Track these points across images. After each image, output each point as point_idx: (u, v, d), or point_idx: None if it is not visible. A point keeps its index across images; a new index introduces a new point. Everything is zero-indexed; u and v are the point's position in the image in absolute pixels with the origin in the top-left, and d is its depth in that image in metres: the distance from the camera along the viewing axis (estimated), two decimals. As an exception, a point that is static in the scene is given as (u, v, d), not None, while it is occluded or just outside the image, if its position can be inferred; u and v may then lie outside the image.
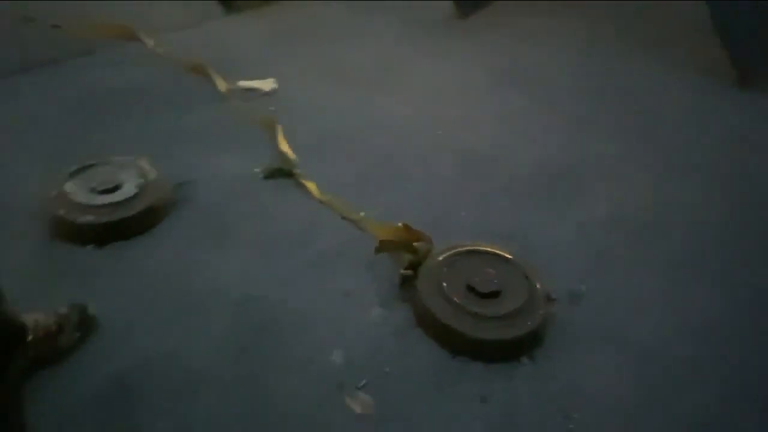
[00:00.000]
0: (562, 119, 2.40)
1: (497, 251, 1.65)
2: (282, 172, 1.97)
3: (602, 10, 3.31)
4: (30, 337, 1.27)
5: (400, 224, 1.71)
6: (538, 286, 1.57)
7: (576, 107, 2.49)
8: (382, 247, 1.68)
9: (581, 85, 2.65)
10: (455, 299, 1.51)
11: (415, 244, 1.65)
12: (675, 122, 2.43)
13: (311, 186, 1.91)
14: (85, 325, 1.45)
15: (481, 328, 1.47)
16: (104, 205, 1.73)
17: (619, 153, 2.23)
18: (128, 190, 1.78)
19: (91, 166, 1.84)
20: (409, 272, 1.60)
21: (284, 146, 2.07)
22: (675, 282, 1.69)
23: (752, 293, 1.67)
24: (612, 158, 2.20)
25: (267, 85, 2.46)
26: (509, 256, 1.64)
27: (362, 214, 1.81)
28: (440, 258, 1.62)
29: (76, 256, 1.63)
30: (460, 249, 1.65)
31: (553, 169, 2.12)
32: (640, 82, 2.70)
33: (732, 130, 2.40)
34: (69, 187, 1.76)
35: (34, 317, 1.33)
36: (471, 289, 1.54)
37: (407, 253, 1.64)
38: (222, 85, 2.41)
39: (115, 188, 1.78)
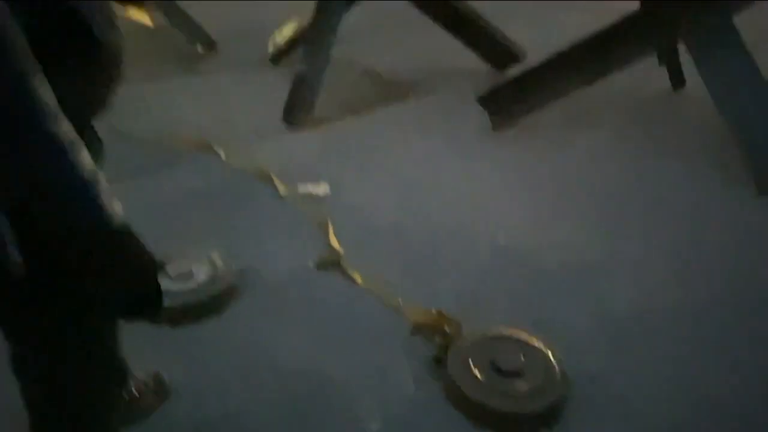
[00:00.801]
0: (590, 219, 2.62)
1: (521, 335, 1.84)
2: (331, 263, 2.24)
3: (630, 116, 3.57)
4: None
5: (434, 310, 1.94)
6: (557, 366, 1.75)
7: (603, 208, 2.70)
8: (418, 330, 1.91)
9: (610, 189, 2.87)
10: (481, 377, 1.70)
11: (446, 327, 1.87)
12: (696, 225, 2.61)
13: (357, 276, 2.17)
14: (160, 390, 1.71)
15: (504, 403, 1.65)
16: (179, 291, 2.03)
17: (642, 252, 2.41)
18: (200, 278, 2.08)
19: (168, 257, 2.16)
20: (441, 353, 1.81)
21: (334, 241, 2.36)
22: (692, 367, 1.83)
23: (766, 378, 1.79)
24: (635, 256, 2.38)
25: (321, 189, 2.79)
26: (532, 340, 1.83)
27: (401, 300, 2.04)
28: (469, 340, 1.83)
29: (153, 333, 1.90)
30: (486, 333, 1.85)
31: (579, 265, 2.32)
32: (665, 186, 2.91)
33: (751, 235, 2.55)
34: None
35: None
36: (496, 368, 1.73)
37: (439, 336, 1.86)
38: (282, 189, 2.75)
39: (188, 276, 2.09)
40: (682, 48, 3.22)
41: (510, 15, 5.01)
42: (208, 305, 2.02)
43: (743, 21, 2.94)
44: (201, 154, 3.06)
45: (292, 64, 4.02)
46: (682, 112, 3.63)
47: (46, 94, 0.69)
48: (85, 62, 0.85)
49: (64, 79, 0.73)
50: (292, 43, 4.07)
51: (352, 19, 3.79)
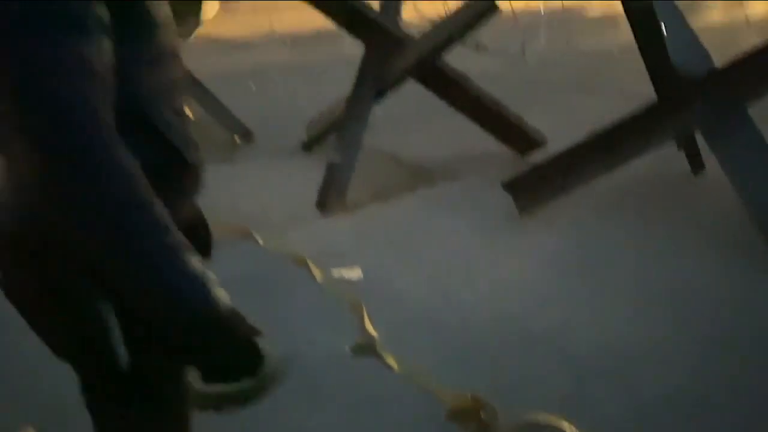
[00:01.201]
0: (617, 303, 2.68)
1: (556, 422, 1.89)
2: (367, 349, 2.32)
3: (652, 199, 3.66)
4: None
5: (469, 395, 1.99)
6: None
7: (631, 292, 2.76)
8: (453, 415, 1.96)
9: (636, 273, 2.93)
10: (516, 462, 1.75)
11: (482, 413, 1.93)
12: (722, 309, 2.65)
13: (392, 361, 2.24)
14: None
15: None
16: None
17: (671, 336, 2.45)
18: (242, 362, 2.17)
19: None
20: (476, 438, 1.86)
21: (369, 326, 2.44)
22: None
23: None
24: (664, 341, 2.42)
25: (354, 273, 2.90)
26: (566, 426, 1.87)
27: (435, 384, 2.10)
28: (503, 426, 1.88)
29: (197, 418, 1.98)
30: (522, 420, 1.90)
31: (609, 349, 2.36)
32: (690, 269, 2.96)
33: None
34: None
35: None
36: (531, 454, 1.77)
37: (475, 422, 1.91)
38: (317, 273, 2.87)
39: (231, 361, 2.18)
40: (699, 133, 3.36)
41: (528, 101, 5.24)
42: (247, 390, 2.10)
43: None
44: (240, 240, 3.21)
45: (324, 151, 4.25)
46: (703, 195, 3.72)
47: (160, 209, 0.83)
48: (176, 181, 0.99)
49: (161, 196, 0.86)
50: (325, 132, 4.29)
51: (379, 107, 4.02)
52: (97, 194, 0.78)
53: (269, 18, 6.05)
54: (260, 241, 3.19)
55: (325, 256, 3.01)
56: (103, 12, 0.81)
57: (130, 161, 0.81)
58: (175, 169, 0.97)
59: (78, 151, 0.77)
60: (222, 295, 0.87)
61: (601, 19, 7.49)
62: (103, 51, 0.80)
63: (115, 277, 0.84)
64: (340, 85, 4.47)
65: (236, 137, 4.61)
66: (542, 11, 4.27)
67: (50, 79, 0.76)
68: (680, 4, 3.42)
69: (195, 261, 0.85)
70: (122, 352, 0.94)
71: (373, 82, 3.78)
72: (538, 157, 4.11)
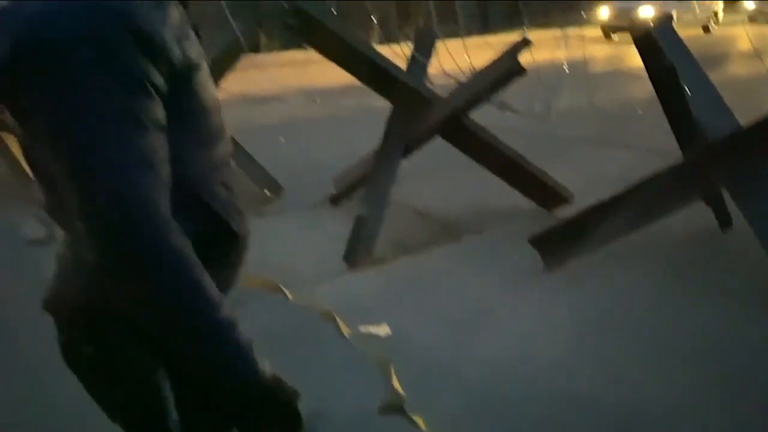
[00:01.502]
0: (644, 361, 2.66)
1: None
2: (395, 408, 2.33)
3: (681, 255, 3.65)
4: None
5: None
6: None
7: (658, 351, 2.74)
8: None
9: (666, 331, 2.91)
10: None
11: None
12: (753, 368, 2.61)
13: (419, 420, 2.24)
14: None
15: None
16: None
17: (700, 398, 2.42)
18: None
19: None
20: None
21: (396, 384, 2.45)
22: None
23: None
24: (693, 402, 2.39)
25: (382, 330, 2.92)
26: None
27: (464, 446, 2.10)
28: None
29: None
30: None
31: (639, 409, 2.34)
32: (718, 326, 2.93)
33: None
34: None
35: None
36: None
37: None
38: (345, 329, 2.89)
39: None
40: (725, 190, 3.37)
41: (553, 156, 5.30)
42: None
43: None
44: (268, 294, 3.26)
45: (351, 205, 4.33)
46: (730, 251, 3.70)
47: (210, 284, 0.90)
48: (225, 251, 1.06)
49: (209, 267, 0.92)
50: (353, 186, 4.38)
51: (404, 161, 4.10)
52: (154, 280, 0.86)
53: (298, 72, 6.26)
54: (289, 296, 3.22)
55: (353, 312, 3.02)
56: (160, 111, 0.90)
57: (184, 244, 0.88)
58: (222, 239, 1.04)
59: (137, 241, 0.84)
60: (266, 364, 0.95)
61: (625, 74, 7.60)
62: (159, 144, 0.89)
63: (171, 349, 0.91)
64: (369, 138, 4.58)
65: (266, 191, 4.71)
66: (565, 66, 4.36)
67: (111, 173, 0.84)
68: (700, 58, 3.48)
69: (243, 334, 0.92)
70: (174, 416, 1.01)
71: (401, 138, 3.88)
72: (564, 212, 4.15)
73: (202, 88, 0.99)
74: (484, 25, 17.85)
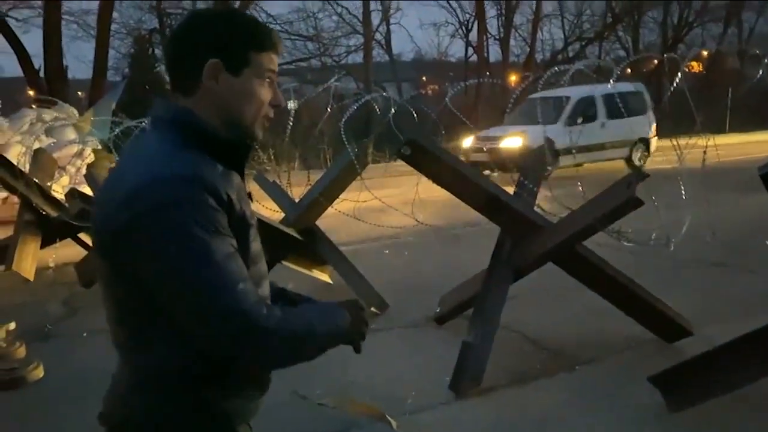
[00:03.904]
0: None
1: None
2: None
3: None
4: None
5: None
6: None
7: None
8: None
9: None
10: None
11: None
12: None
13: None
14: None
15: None
16: None
17: None
18: None
19: None
20: None
21: None
22: None
23: None
24: None
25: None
26: None
27: None
28: None
29: None
30: None
31: None
32: None
33: None
34: None
35: None
36: None
37: None
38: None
39: None
40: None
41: (670, 281, 5.05)
42: None
43: None
44: (373, 422, 3.22)
45: (457, 326, 4.28)
46: None
47: (302, 315, 1.30)
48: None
49: None
50: (458, 307, 4.34)
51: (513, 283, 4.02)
52: (286, 348, 1.21)
53: (404, 183, 6.44)
54: (393, 424, 3.17)
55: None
56: (234, 244, 1.19)
57: (279, 312, 1.19)
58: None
59: (259, 334, 1.14)
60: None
61: (743, 191, 7.25)
62: (242, 264, 1.19)
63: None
64: (476, 254, 4.57)
65: (372, 308, 4.76)
66: (683, 193, 4.22)
67: (219, 291, 1.13)
68: None
69: (321, 306, 1.35)
70: None
71: (510, 261, 3.84)
72: (685, 343, 3.88)
73: (253, 239, 1.28)
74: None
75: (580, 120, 13.61)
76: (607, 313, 4.10)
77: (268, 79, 1.27)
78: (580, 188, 4.01)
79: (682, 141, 4.35)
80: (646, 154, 15.14)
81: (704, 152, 3.93)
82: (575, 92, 13.49)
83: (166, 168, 1.15)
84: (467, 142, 14.36)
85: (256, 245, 1.29)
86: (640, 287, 3.83)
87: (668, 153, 4.43)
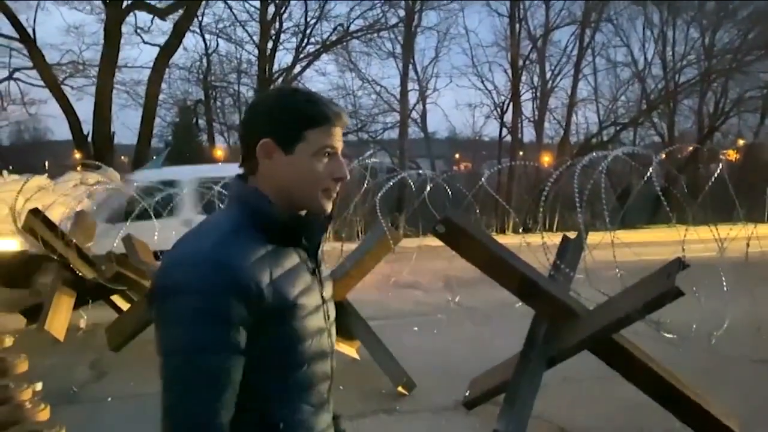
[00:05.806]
0: None
1: None
2: None
3: None
4: None
5: None
6: None
7: None
8: None
9: None
10: None
11: None
12: None
13: None
14: None
15: None
16: None
17: None
18: None
19: None
20: None
21: None
22: None
23: None
24: None
25: None
26: None
27: None
28: None
29: None
30: None
31: None
32: None
33: None
34: None
35: None
36: None
37: None
38: None
39: None
40: None
41: (714, 378, 4.82)
42: None
43: None
44: None
45: (486, 412, 4.12)
46: None
47: None
48: None
49: None
50: (489, 392, 4.19)
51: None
52: None
53: (435, 258, 6.40)
54: None
55: None
56: (242, 339, 1.17)
57: None
58: None
59: None
60: None
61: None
62: (233, 366, 1.16)
63: None
64: (507, 335, 4.44)
65: (400, 387, 4.63)
66: (725, 286, 4.09)
67: (185, 393, 1.15)
68: None
69: None
70: None
71: (544, 348, 3.72)
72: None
73: (296, 318, 1.22)
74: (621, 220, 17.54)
75: None
76: (645, 406, 3.92)
77: (326, 154, 1.26)
78: (618, 273, 3.92)
79: (722, 230, 4.26)
80: None
81: (747, 243, 3.83)
82: None
83: (198, 248, 1.18)
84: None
85: (312, 322, 1.25)
86: (680, 382, 3.65)
87: (708, 242, 4.33)
